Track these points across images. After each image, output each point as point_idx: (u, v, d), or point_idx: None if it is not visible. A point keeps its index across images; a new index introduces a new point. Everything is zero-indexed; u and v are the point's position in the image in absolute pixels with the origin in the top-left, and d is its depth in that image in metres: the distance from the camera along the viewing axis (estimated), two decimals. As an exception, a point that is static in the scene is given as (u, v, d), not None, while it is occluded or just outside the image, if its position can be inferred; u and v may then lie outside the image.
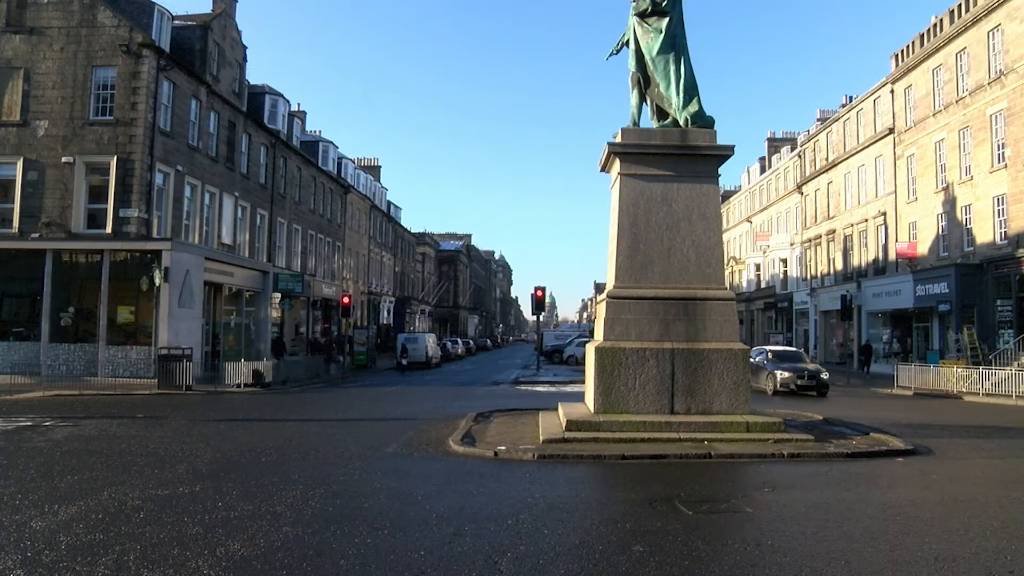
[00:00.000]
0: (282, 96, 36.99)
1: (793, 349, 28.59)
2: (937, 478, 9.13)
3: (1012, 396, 20.43)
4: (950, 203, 29.79)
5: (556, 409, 13.52)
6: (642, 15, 12.93)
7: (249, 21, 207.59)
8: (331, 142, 46.02)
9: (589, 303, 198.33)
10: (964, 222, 28.98)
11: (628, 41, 13.23)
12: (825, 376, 22.94)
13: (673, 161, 12.48)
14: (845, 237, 40.30)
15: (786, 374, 22.70)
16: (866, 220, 37.67)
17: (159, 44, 25.25)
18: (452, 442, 11.16)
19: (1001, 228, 26.72)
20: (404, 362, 38.03)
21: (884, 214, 35.58)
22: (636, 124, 13.16)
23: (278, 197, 35.79)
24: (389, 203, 64.42)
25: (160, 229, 25.11)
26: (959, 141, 29.26)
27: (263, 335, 32.62)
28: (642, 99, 13.25)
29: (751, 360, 24.38)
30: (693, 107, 12.58)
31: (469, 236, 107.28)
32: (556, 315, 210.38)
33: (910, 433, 12.69)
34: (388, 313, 60.58)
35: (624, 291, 12.27)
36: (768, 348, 26.61)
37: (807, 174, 46.03)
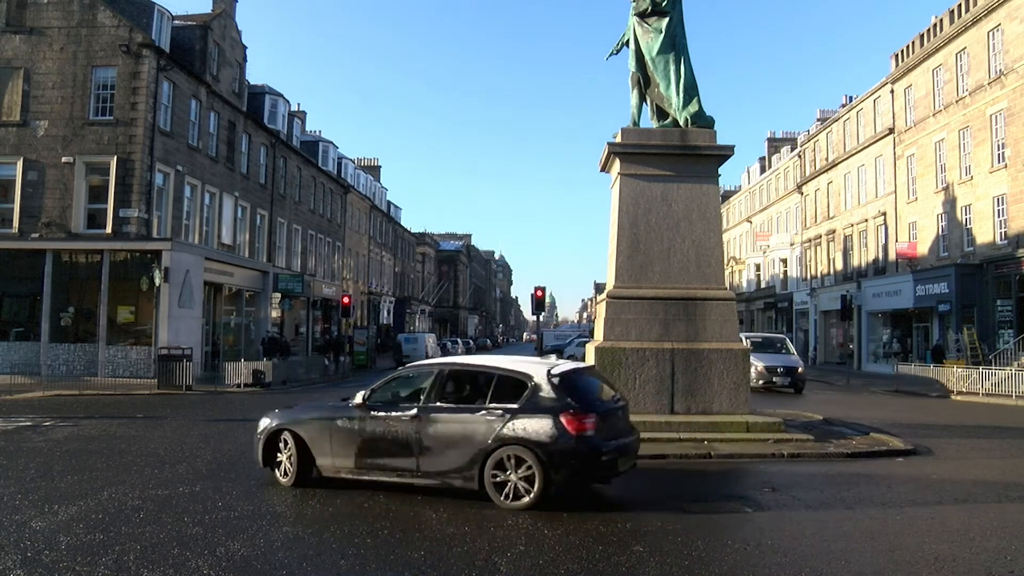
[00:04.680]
0: (282, 96, 36.98)
1: (779, 336, 27.42)
2: (937, 478, 9.13)
3: (1012, 396, 20.41)
4: (950, 203, 29.79)
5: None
6: (642, 15, 12.93)
7: (249, 21, 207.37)
8: (331, 142, 45.99)
9: (589, 303, 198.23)
10: (964, 222, 28.97)
11: (628, 41, 13.23)
12: (801, 370, 22.33)
13: (673, 161, 12.48)
14: (845, 237, 40.29)
15: (760, 366, 21.22)
16: (866, 220, 37.67)
17: (159, 44, 25.25)
18: (452, 442, 11.12)
19: (1001, 228, 26.70)
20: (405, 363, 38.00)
21: (884, 214, 35.58)
22: (636, 124, 13.16)
23: (278, 197, 35.78)
24: (389, 203, 64.39)
25: (160, 229, 25.10)
26: (959, 141, 29.25)
27: (263, 335, 32.59)
28: (642, 99, 13.25)
29: None
30: (693, 107, 12.58)
31: (469, 236, 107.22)
32: (556, 315, 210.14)
33: (910, 433, 12.69)
34: (388, 313, 60.55)
35: (624, 291, 12.27)
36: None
37: (807, 174, 46.03)
